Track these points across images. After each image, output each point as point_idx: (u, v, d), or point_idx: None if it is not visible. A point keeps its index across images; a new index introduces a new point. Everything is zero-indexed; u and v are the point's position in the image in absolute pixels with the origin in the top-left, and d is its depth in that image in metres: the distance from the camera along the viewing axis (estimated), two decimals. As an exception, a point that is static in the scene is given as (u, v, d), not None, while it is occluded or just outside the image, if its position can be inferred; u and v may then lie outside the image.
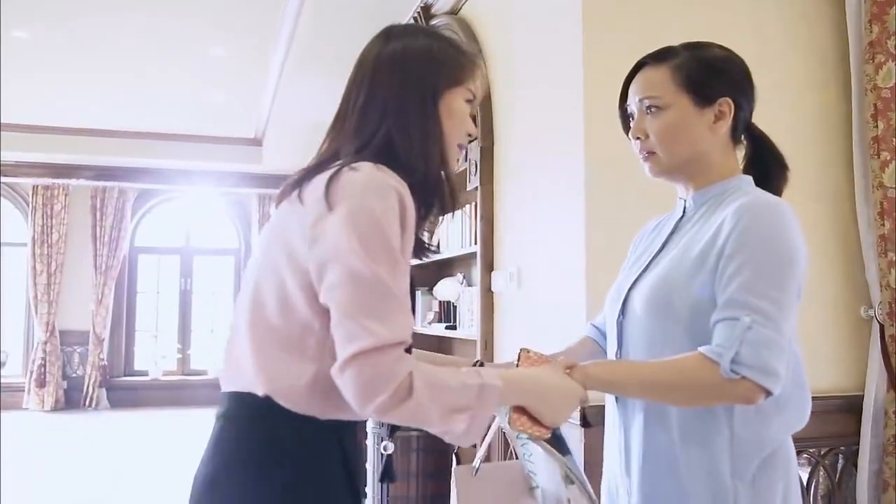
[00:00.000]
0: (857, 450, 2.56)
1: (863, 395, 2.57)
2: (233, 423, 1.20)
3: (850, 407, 2.58)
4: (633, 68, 1.43)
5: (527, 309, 2.90)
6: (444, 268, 4.45)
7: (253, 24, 5.09)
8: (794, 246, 1.24)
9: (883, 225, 2.53)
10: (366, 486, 1.32)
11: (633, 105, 1.42)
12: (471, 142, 1.34)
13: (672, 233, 1.42)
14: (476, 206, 3.36)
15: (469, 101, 1.32)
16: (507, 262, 3.11)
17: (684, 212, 1.43)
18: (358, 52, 1.32)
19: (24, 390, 8.88)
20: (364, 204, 1.10)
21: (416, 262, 1.28)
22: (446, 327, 4.02)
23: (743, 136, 1.43)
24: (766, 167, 1.42)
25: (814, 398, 2.50)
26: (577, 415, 2.24)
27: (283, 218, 1.22)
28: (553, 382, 1.25)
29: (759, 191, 1.35)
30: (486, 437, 1.31)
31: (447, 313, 4.20)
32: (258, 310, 1.19)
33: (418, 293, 4.57)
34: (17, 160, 8.48)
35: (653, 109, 1.37)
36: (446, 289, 4.10)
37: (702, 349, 1.21)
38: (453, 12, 3.74)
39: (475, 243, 3.39)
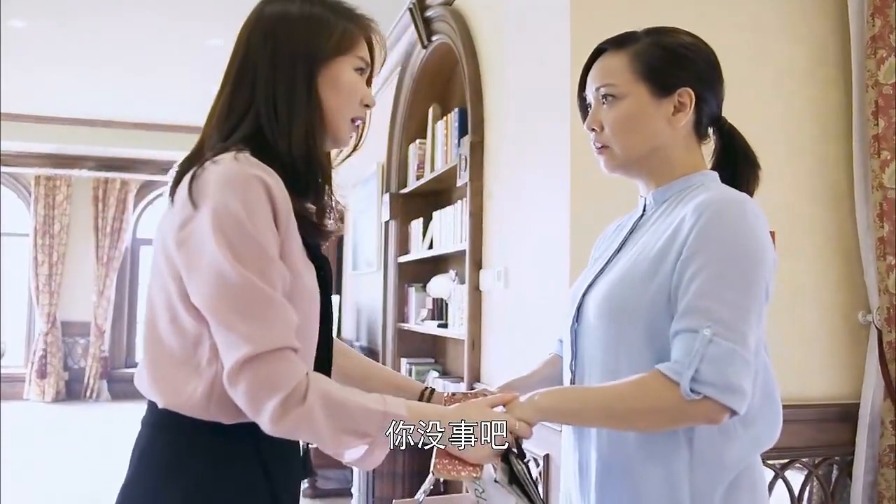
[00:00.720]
0: (852, 460, 2.46)
1: (859, 404, 2.47)
2: (144, 429, 1.17)
3: (846, 415, 2.49)
4: (592, 54, 1.33)
5: (514, 309, 2.82)
6: (441, 264, 4.37)
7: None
8: (759, 245, 1.14)
9: (882, 227, 2.43)
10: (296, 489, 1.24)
11: (590, 94, 1.32)
12: (367, 107, 1.22)
13: (631, 232, 1.32)
14: (466, 202, 3.28)
15: (360, 70, 1.21)
16: (495, 260, 3.03)
17: (644, 210, 1.34)
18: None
19: (24, 381, 8.89)
20: (224, 202, 1.03)
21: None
22: (438, 325, 3.94)
23: (712, 131, 1.33)
24: (736, 165, 1.31)
25: (808, 406, 2.46)
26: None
27: (162, 220, 1.15)
28: (467, 417, 1.12)
29: (724, 187, 1.25)
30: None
31: (440, 311, 4.12)
32: (151, 324, 1.14)
33: (412, 289, 4.50)
34: (20, 150, 8.46)
35: (608, 99, 1.27)
36: (439, 285, 4.02)
37: (660, 367, 1.10)
38: (448, 3, 3.65)
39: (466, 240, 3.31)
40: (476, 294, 3.17)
